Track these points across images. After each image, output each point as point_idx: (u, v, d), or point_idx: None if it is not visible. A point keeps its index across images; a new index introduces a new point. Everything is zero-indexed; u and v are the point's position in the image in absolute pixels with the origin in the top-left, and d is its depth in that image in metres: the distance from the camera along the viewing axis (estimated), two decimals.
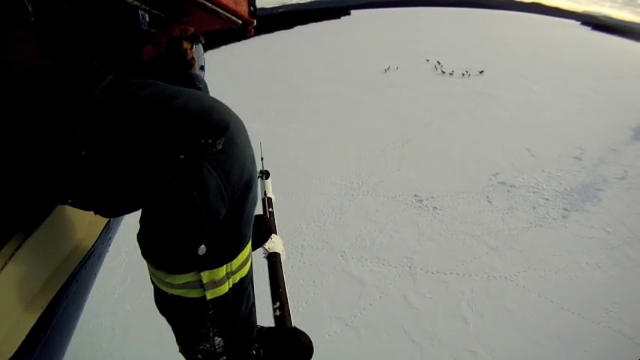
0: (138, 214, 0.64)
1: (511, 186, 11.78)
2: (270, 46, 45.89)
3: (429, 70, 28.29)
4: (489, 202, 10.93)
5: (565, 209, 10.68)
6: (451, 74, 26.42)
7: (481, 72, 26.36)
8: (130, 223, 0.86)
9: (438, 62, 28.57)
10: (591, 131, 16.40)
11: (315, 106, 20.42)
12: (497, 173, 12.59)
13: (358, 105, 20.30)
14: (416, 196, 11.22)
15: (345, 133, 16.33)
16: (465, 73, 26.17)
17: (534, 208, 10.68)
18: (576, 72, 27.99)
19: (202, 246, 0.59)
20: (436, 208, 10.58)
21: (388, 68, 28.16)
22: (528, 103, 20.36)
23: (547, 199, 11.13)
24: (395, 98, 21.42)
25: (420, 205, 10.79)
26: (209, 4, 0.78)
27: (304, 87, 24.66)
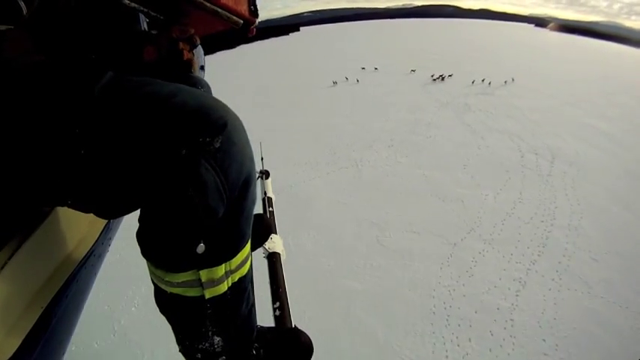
0: (137, 214, 0.64)
1: None
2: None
3: (424, 83, 21.16)
4: None
5: None
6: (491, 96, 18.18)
7: (507, 82, 20.53)
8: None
9: (439, 77, 23.05)
10: None
11: None
12: None
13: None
14: None
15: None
16: (489, 82, 19.46)
17: None
18: (606, 90, 21.89)
19: (201, 244, 0.60)
20: None
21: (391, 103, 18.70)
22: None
23: None
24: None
25: None
26: (208, 5, 0.77)
27: None
